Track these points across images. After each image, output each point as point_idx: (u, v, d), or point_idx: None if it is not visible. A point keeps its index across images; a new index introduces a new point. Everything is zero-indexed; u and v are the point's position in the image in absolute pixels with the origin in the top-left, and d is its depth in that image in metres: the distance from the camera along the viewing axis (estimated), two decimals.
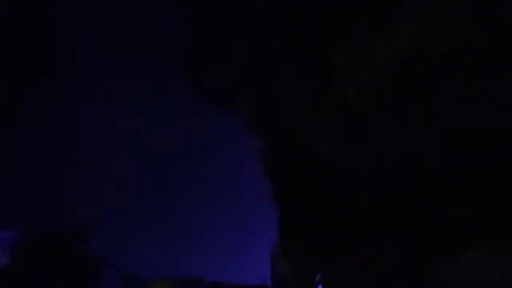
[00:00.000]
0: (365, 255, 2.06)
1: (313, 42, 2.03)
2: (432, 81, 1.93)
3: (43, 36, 3.56)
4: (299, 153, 2.16)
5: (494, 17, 2.10)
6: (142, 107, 3.16)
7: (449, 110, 1.92)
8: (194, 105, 2.85)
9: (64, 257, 2.13)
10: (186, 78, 2.52)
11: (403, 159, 1.96)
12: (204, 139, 3.06)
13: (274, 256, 2.32)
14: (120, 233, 2.51)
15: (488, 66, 1.94)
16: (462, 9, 2.04)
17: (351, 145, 2.00)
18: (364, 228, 2.09)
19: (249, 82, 2.35)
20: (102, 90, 3.25)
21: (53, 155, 3.17)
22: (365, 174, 1.97)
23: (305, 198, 2.24)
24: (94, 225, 2.34)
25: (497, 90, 1.90)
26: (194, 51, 2.49)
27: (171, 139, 3.12)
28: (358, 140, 2.00)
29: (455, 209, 2.00)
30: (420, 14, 2.05)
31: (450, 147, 1.86)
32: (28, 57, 3.56)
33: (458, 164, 1.90)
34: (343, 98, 2.02)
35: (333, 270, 2.07)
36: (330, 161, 2.02)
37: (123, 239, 2.47)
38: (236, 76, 2.38)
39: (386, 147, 1.96)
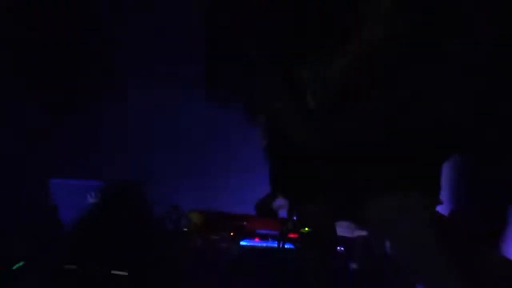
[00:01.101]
0: (324, 199, 2.77)
1: (287, 63, 2.80)
2: (369, 91, 2.71)
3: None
4: (283, 138, 2.92)
5: (420, 38, 2.81)
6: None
7: (379, 111, 2.70)
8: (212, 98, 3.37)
9: (130, 197, 2.40)
10: (205, 78, 3.15)
11: (347, 142, 2.73)
12: (219, 122, 3.43)
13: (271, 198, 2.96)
14: (167, 178, 2.88)
15: (412, 76, 2.72)
16: (392, 36, 2.76)
17: (313, 132, 2.77)
18: (324, 183, 2.83)
19: (249, 84, 3.03)
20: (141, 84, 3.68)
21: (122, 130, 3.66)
22: (322, 150, 2.76)
23: (288, 165, 2.98)
24: (150, 173, 2.70)
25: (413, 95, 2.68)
26: (211, 58, 3.13)
27: (199, 120, 3.57)
28: (317, 129, 2.77)
29: (376, 170, 2.74)
30: (361, 41, 2.76)
31: (379, 135, 2.63)
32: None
33: (383, 146, 2.67)
34: (308, 101, 2.78)
35: (306, 208, 2.78)
36: (301, 142, 2.80)
37: (169, 182, 2.82)
38: (239, 80, 3.05)
39: (336, 134, 2.73)
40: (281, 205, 2.93)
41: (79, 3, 3.80)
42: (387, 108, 2.80)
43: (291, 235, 2.57)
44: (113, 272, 2.12)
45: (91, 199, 2.51)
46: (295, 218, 2.83)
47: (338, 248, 2.63)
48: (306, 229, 2.60)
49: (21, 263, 2.25)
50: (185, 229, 2.56)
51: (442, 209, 2.84)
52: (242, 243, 2.58)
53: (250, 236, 2.62)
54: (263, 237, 2.62)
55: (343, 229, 2.77)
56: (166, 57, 3.68)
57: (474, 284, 2.56)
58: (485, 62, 3.28)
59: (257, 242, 2.60)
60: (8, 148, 3.55)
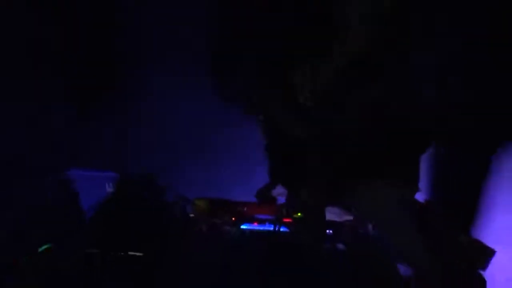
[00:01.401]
0: (316, 184, 2.81)
1: (281, 70, 2.86)
2: (351, 91, 2.77)
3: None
4: (279, 133, 2.98)
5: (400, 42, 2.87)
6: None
7: (362, 108, 2.76)
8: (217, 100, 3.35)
9: (144, 187, 2.46)
10: (214, 80, 3.17)
11: (334, 133, 2.78)
12: (223, 121, 3.52)
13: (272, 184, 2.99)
14: (176, 171, 2.86)
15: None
16: (368, 46, 2.82)
17: (304, 126, 2.82)
18: (315, 168, 2.87)
19: (250, 87, 3.07)
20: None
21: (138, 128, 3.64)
22: (312, 141, 2.80)
23: (284, 157, 3.03)
24: (161, 166, 2.71)
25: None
26: (219, 65, 3.16)
27: (206, 116, 3.60)
28: (308, 124, 2.82)
29: (363, 162, 2.79)
30: (342, 51, 2.81)
31: (363, 130, 2.69)
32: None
33: (367, 140, 2.73)
34: (300, 100, 2.84)
35: (299, 194, 2.81)
36: (293, 135, 2.85)
37: (178, 174, 2.79)
38: (243, 83, 3.09)
39: (324, 127, 2.78)
40: (280, 192, 2.98)
41: (107, 12, 3.81)
42: (368, 105, 2.86)
43: (286, 220, 2.61)
44: (129, 253, 2.14)
45: (109, 189, 2.53)
46: (289, 204, 2.88)
47: (327, 231, 2.66)
48: (299, 214, 2.64)
49: (47, 246, 2.25)
50: (192, 215, 2.57)
51: (420, 196, 2.88)
52: (242, 227, 2.59)
53: (249, 220, 2.64)
54: (261, 222, 2.63)
55: (331, 214, 2.82)
56: (177, 62, 3.70)
57: (445, 258, 2.62)
58: (456, 63, 3.33)
59: (255, 226, 2.61)
60: (35, 141, 3.52)
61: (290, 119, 2.98)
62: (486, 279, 2.72)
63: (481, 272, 2.72)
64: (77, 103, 3.74)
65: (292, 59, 2.99)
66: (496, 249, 2.75)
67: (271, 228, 2.57)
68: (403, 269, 2.64)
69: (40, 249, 2.24)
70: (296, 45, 3.00)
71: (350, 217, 2.82)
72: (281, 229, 2.58)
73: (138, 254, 2.16)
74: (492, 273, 2.74)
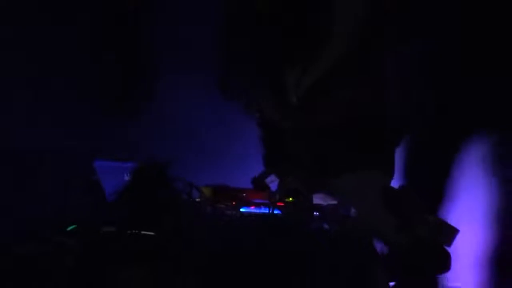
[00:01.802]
0: (304, 175, 2.84)
1: (274, 73, 2.89)
2: (335, 90, 2.80)
3: None
4: (272, 128, 3.01)
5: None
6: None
7: (344, 106, 2.79)
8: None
9: (157, 175, 2.37)
10: (218, 81, 3.19)
11: (318, 128, 2.81)
12: (226, 119, 3.61)
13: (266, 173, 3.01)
14: (184, 161, 2.64)
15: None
16: (349, 51, 2.85)
17: (293, 122, 2.86)
18: (304, 163, 2.89)
19: (248, 87, 3.09)
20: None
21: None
22: (301, 137, 2.84)
23: (277, 149, 3.06)
24: (172, 157, 2.54)
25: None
26: (222, 67, 3.18)
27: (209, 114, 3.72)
28: (297, 120, 2.86)
29: (346, 154, 2.81)
30: (327, 55, 2.85)
31: (344, 127, 2.74)
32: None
33: (348, 134, 2.79)
34: (290, 99, 2.88)
35: (290, 182, 2.83)
36: (283, 130, 2.89)
37: (186, 164, 2.61)
38: (242, 84, 3.11)
39: (312, 123, 2.82)
40: (272, 180, 2.99)
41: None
42: (349, 105, 2.91)
43: (279, 204, 2.62)
44: (143, 232, 2.12)
45: (126, 177, 2.50)
46: (281, 191, 2.85)
47: (314, 213, 2.67)
48: (290, 199, 2.64)
49: (73, 226, 2.26)
50: (198, 200, 2.57)
51: (394, 183, 2.94)
52: (241, 210, 2.59)
53: (247, 204, 2.63)
54: (257, 205, 2.63)
55: (317, 198, 2.83)
56: (187, 65, 3.75)
57: (415, 236, 2.63)
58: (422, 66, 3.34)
59: (253, 209, 2.61)
60: (66, 137, 3.62)
61: (281, 115, 3.02)
62: (451, 254, 2.71)
63: (447, 247, 2.71)
64: (101, 105, 3.76)
65: (284, 64, 3.03)
66: (459, 228, 2.74)
67: (266, 211, 2.57)
68: (379, 246, 2.66)
69: (68, 229, 2.25)
70: (287, 51, 3.03)
71: (333, 202, 2.81)
72: (275, 211, 2.57)
73: (150, 233, 2.10)
74: (457, 248, 2.73)
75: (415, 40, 3.41)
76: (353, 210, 2.74)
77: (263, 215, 2.58)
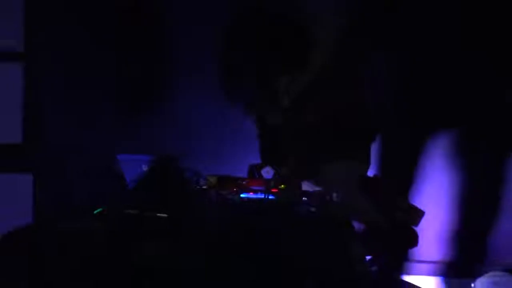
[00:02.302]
0: (294, 165, 2.84)
1: (268, 80, 2.90)
2: (320, 93, 2.81)
3: None
4: (267, 126, 3.01)
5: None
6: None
7: (327, 108, 2.80)
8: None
9: (170, 166, 2.35)
10: (223, 86, 3.19)
11: (308, 127, 2.82)
12: (230, 118, 3.57)
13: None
14: (194, 154, 2.53)
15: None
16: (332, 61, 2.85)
17: (284, 121, 2.87)
18: (294, 155, 2.90)
19: (249, 91, 3.10)
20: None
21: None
22: (292, 133, 2.85)
23: (270, 143, 3.06)
24: (183, 151, 2.51)
25: None
26: (225, 74, 3.18)
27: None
28: (287, 119, 2.87)
29: (330, 147, 2.82)
30: (312, 64, 2.86)
31: (328, 125, 2.74)
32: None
33: (332, 131, 2.78)
34: (282, 102, 2.89)
35: (282, 171, 2.83)
36: (275, 127, 2.89)
37: (195, 157, 2.50)
38: (243, 89, 3.12)
39: (299, 122, 2.83)
40: (268, 170, 2.98)
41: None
42: (332, 106, 2.93)
43: (273, 190, 2.58)
44: (157, 214, 2.11)
45: (144, 168, 2.47)
46: (275, 179, 2.77)
47: (303, 198, 2.62)
48: (282, 186, 2.60)
49: (99, 209, 2.25)
50: (204, 187, 2.53)
51: (370, 172, 2.97)
52: (241, 195, 2.55)
53: (247, 191, 2.58)
54: (255, 191, 2.58)
55: (306, 186, 2.80)
56: (197, 71, 3.73)
57: (388, 218, 2.64)
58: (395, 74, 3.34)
59: (251, 195, 2.56)
60: (95, 134, 3.66)
61: (274, 115, 3.04)
62: (418, 232, 2.74)
63: (414, 228, 2.73)
64: (122, 106, 3.78)
65: (276, 72, 3.05)
66: (425, 211, 2.75)
67: (262, 196, 2.55)
68: (357, 226, 2.64)
69: (95, 212, 2.24)
70: (279, 62, 3.05)
71: (319, 188, 2.77)
72: (269, 197, 2.55)
73: (163, 215, 2.09)
74: (422, 228, 2.75)
75: (390, 47, 3.40)
76: (335, 195, 2.62)
77: (259, 199, 2.55)
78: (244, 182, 2.68)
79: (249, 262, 1.80)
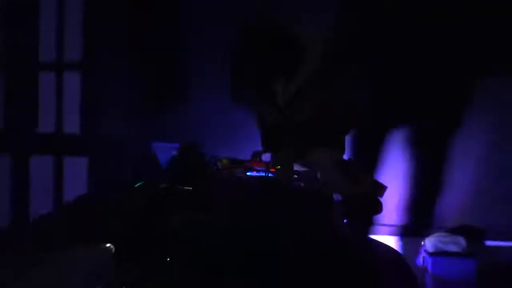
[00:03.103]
0: (287, 150, 2.83)
1: (267, 85, 2.89)
2: (308, 96, 2.79)
3: None
4: (266, 121, 2.99)
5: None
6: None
7: (316, 109, 2.78)
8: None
9: (194, 151, 2.42)
10: (232, 91, 3.17)
11: (298, 124, 2.82)
12: (239, 115, 3.51)
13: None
14: (212, 141, 2.79)
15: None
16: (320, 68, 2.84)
17: (280, 118, 2.85)
18: (286, 141, 2.90)
19: (252, 92, 3.08)
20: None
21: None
22: (285, 129, 2.84)
23: (269, 134, 3.05)
24: (203, 139, 2.64)
25: None
26: (235, 83, 3.16)
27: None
28: (283, 117, 2.86)
29: (316, 138, 2.81)
30: (302, 71, 2.85)
31: (315, 123, 2.72)
32: None
33: (318, 127, 2.77)
34: (278, 101, 2.88)
35: (278, 155, 2.83)
36: (274, 123, 2.88)
37: (213, 144, 2.69)
38: (249, 90, 3.09)
39: (292, 120, 2.82)
40: (267, 155, 2.99)
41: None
42: (317, 106, 2.93)
43: (271, 170, 2.61)
44: (184, 187, 2.08)
45: (173, 153, 2.47)
46: (273, 161, 2.84)
47: (294, 176, 2.67)
48: (278, 167, 2.63)
49: (140, 183, 2.24)
50: (219, 167, 2.55)
51: (345, 156, 2.93)
52: (247, 173, 2.57)
53: (251, 170, 2.59)
54: (258, 171, 2.59)
55: (296, 167, 2.80)
56: (212, 76, 3.63)
57: (359, 191, 2.64)
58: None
59: (255, 173, 2.58)
60: (135, 126, 3.61)
61: (271, 112, 3.03)
62: (382, 202, 2.73)
63: (379, 198, 2.73)
64: (156, 105, 3.71)
65: (274, 77, 3.04)
66: (387, 185, 2.75)
67: (263, 174, 2.56)
68: (336, 197, 2.62)
69: (136, 185, 2.22)
70: (276, 70, 3.04)
71: (307, 169, 2.79)
72: (269, 175, 2.56)
73: (188, 188, 2.08)
74: (385, 199, 2.74)
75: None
76: (319, 174, 2.70)
77: (261, 176, 2.56)
78: (249, 164, 2.69)
79: (254, 221, 1.80)
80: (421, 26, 3.30)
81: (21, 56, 3.73)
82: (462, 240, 3.29)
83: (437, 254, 3.28)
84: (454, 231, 3.39)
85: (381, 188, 2.75)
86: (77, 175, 3.74)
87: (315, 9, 3.13)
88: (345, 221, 2.54)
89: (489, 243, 3.42)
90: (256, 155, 2.87)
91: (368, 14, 3.27)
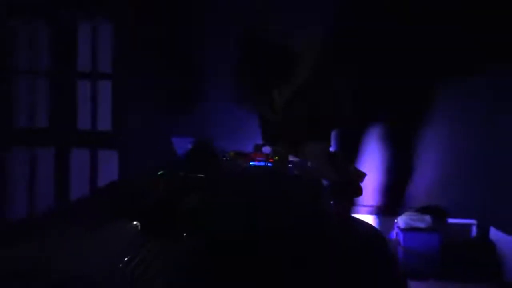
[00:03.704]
0: (284, 143, 2.81)
1: (266, 92, 2.87)
2: (299, 101, 2.75)
3: None
4: (266, 119, 2.97)
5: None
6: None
7: (305, 110, 2.75)
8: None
9: (207, 144, 2.40)
10: (238, 94, 3.16)
11: (291, 122, 2.79)
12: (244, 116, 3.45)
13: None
14: (221, 137, 2.76)
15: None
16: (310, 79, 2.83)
17: (276, 118, 2.83)
18: (283, 138, 2.88)
19: (255, 98, 3.06)
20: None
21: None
22: (281, 126, 2.82)
23: (268, 130, 3.03)
24: (213, 137, 2.57)
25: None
26: (240, 87, 3.14)
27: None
28: (279, 117, 2.84)
29: (307, 134, 2.79)
30: (293, 83, 2.83)
31: (304, 121, 2.71)
32: None
33: (308, 125, 2.75)
34: (275, 105, 2.86)
35: (276, 148, 2.81)
36: (271, 120, 2.87)
37: (222, 139, 2.68)
38: (253, 96, 3.08)
39: (287, 119, 2.80)
40: (267, 148, 2.98)
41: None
42: (307, 107, 2.91)
43: (270, 160, 2.62)
44: (198, 175, 2.07)
45: (189, 146, 2.45)
46: (272, 153, 2.85)
47: (289, 165, 2.66)
48: (276, 158, 2.64)
49: (161, 172, 2.15)
50: (228, 159, 2.54)
51: (331, 148, 2.92)
52: (250, 163, 2.56)
53: (254, 160, 2.59)
54: (259, 161, 2.59)
55: (291, 157, 2.78)
56: (224, 87, 3.58)
57: (343, 177, 2.64)
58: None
59: (256, 163, 2.58)
60: (157, 124, 3.59)
61: (271, 112, 3.03)
62: (362, 187, 2.75)
63: (360, 183, 2.75)
64: (174, 107, 3.70)
65: (271, 86, 3.04)
66: (366, 173, 2.79)
67: (263, 164, 2.56)
68: (324, 182, 2.61)
69: (158, 174, 2.14)
70: (274, 78, 3.04)
71: (300, 159, 2.76)
72: (268, 164, 2.56)
73: (202, 175, 2.09)
74: (364, 184, 2.78)
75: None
76: (310, 163, 2.71)
77: (261, 166, 2.57)
78: (252, 155, 2.71)
79: (257, 201, 1.79)
80: (395, 41, 3.29)
81: (62, 68, 3.76)
82: (428, 218, 3.31)
83: (408, 229, 3.29)
84: (422, 210, 3.40)
85: (361, 175, 2.77)
86: (108, 165, 3.75)
87: (305, 32, 3.11)
88: (331, 202, 2.54)
89: (450, 220, 3.43)
90: (258, 148, 2.86)
91: (349, 34, 3.28)
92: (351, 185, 2.71)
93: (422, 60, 3.34)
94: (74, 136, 3.80)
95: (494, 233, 3.34)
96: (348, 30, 3.24)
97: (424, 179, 3.52)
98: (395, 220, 3.43)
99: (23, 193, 3.67)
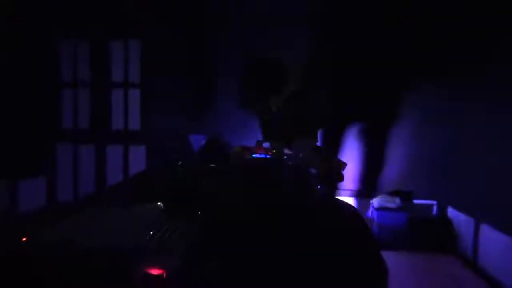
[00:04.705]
0: (280, 140, 2.77)
1: (265, 96, 2.83)
2: (293, 104, 2.73)
3: None
4: (264, 119, 2.94)
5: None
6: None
7: (299, 111, 2.70)
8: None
9: (218, 140, 2.38)
10: (241, 99, 3.11)
11: (287, 121, 2.75)
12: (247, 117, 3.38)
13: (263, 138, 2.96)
14: (229, 135, 2.65)
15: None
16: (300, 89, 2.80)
17: (274, 117, 2.80)
18: (279, 133, 2.84)
19: (255, 102, 3.02)
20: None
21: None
22: (276, 121, 2.78)
23: (267, 128, 2.99)
24: (222, 134, 2.52)
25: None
26: (243, 94, 3.10)
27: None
28: (277, 116, 2.81)
29: (298, 132, 2.76)
30: (286, 90, 2.79)
31: (297, 118, 2.65)
32: None
33: (297, 121, 2.70)
34: (271, 109, 2.82)
35: (274, 143, 2.77)
36: (267, 120, 2.82)
37: (230, 136, 2.61)
38: (253, 101, 3.04)
39: (283, 118, 2.77)
40: (266, 143, 2.97)
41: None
42: (298, 111, 2.88)
43: (269, 153, 2.59)
44: (211, 165, 2.05)
45: (203, 142, 2.40)
46: (271, 147, 2.85)
47: (285, 157, 2.65)
48: (274, 151, 2.63)
49: (180, 163, 2.15)
50: (234, 152, 2.52)
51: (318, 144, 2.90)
52: (253, 155, 2.54)
53: (256, 153, 2.58)
54: (261, 153, 2.58)
55: (286, 150, 2.79)
56: (231, 93, 3.51)
57: (328, 167, 2.62)
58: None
59: (258, 155, 2.56)
60: (177, 124, 3.50)
61: (268, 115, 3.01)
62: (343, 174, 2.79)
63: (341, 171, 2.77)
64: (189, 110, 3.63)
65: (267, 93, 3.02)
66: (347, 163, 2.82)
67: (264, 156, 2.54)
68: (313, 171, 2.60)
69: (178, 164, 2.15)
70: (270, 89, 3.03)
71: (293, 152, 2.76)
72: (267, 156, 2.53)
73: (213, 165, 2.07)
74: (345, 172, 2.80)
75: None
76: (301, 155, 2.71)
77: (262, 157, 2.55)
78: (254, 149, 2.70)
79: (258, 185, 1.80)
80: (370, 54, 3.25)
81: (100, 79, 3.76)
82: (397, 200, 3.30)
83: (381, 209, 3.28)
84: (392, 193, 3.40)
85: (343, 165, 2.77)
86: (138, 158, 3.74)
87: (293, 53, 3.07)
88: (318, 186, 2.52)
89: (415, 201, 3.41)
90: (259, 144, 2.85)
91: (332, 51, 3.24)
92: (334, 173, 2.71)
93: (392, 66, 3.28)
94: (110, 135, 3.81)
95: (452, 212, 3.33)
96: (330, 50, 3.22)
97: (394, 168, 3.50)
98: (371, 202, 3.42)
99: (69, 181, 3.69)
